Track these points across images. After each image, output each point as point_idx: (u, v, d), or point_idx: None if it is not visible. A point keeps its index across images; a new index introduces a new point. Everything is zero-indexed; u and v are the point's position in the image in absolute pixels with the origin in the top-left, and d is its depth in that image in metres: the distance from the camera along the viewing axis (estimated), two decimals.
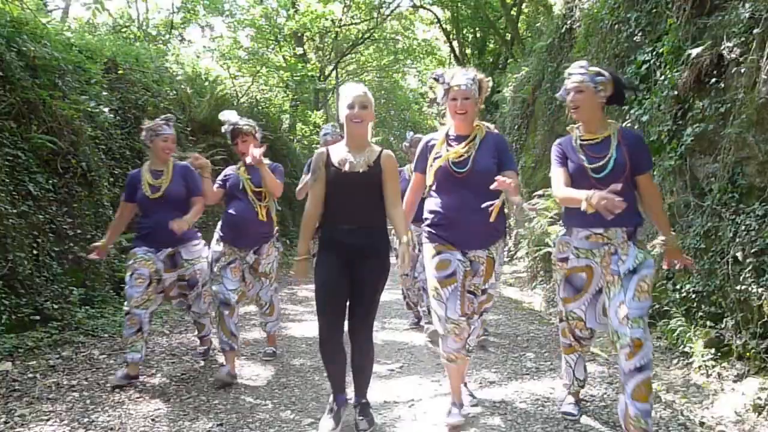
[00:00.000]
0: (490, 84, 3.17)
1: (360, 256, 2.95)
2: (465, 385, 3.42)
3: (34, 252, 4.90)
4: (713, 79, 4.16)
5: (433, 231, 3.06)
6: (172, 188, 3.97)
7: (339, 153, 3.01)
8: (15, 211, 4.79)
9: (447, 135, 3.11)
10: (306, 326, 5.70)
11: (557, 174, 2.96)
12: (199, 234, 4.21)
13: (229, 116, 4.08)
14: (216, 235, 4.06)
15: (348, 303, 3.00)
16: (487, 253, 3.03)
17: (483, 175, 2.93)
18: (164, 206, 3.88)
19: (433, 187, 3.09)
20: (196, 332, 4.58)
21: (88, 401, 3.47)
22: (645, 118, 4.98)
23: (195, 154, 4.07)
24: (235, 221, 3.98)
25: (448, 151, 3.02)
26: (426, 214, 3.13)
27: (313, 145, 18.55)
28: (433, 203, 3.08)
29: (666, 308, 4.32)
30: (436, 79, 3.12)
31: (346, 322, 3.04)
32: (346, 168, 2.94)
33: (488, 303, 3.18)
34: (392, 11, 19.79)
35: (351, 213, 2.95)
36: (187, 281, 4.10)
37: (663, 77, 4.80)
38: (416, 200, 3.24)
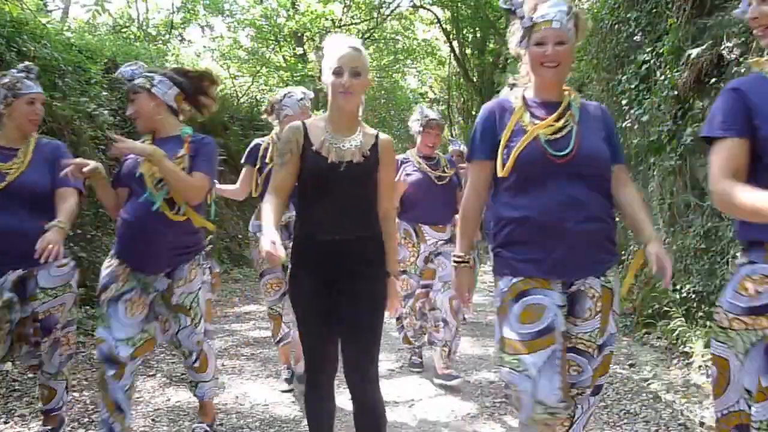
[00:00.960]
0: (589, 24, 2.04)
1: (348, 276, 2.12)
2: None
3: None
4: (713, 79, 4.17)
5: (511, 254, 1.92)
6: (27, 177, 2.60)
7: (320, 133, 2.14)
8: None
9: (525, 100, 1.99)
10: None
11: (723, 153, 1.64)
12: (65, 250, 2.65)
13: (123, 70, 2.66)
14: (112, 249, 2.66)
15: (338, 336, 2.18)
16: (602, 281, 1.91)
17: (593, 161, 1.91)
18: (10, 204, 2.56)
19: (510, 182, 1.94)
20: (41, 403, 2.87)
21: (88, 401, 3.47)
22: (645, 118, 4.98)
23: (79, 160, 2.52)
24: (131, 231, 2.53)
25: (534, 123, 1.92)
26: (496, 227, 1.99)
27: None
28: (510, 206, 1.93)
29: (666, 308, 4.32)
30: (512, 11, 1.96)
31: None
32: (333, 157, 2.09)
33: (604, 371, 1.99)
34: (392, 11, 19.78)
35: (338, 219, 2.11)
36: (41, 322, 2.65)
37: (663, 77, 4.80)
38: (483, 205, 2.10)
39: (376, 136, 2.20)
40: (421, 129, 3.92)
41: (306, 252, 2.16)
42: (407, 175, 3.84)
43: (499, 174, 1.93)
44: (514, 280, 1.88)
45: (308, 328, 2.21)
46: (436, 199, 3.32)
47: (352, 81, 2.06)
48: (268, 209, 2.08)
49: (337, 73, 2.07)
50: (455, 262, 2.06)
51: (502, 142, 1.94)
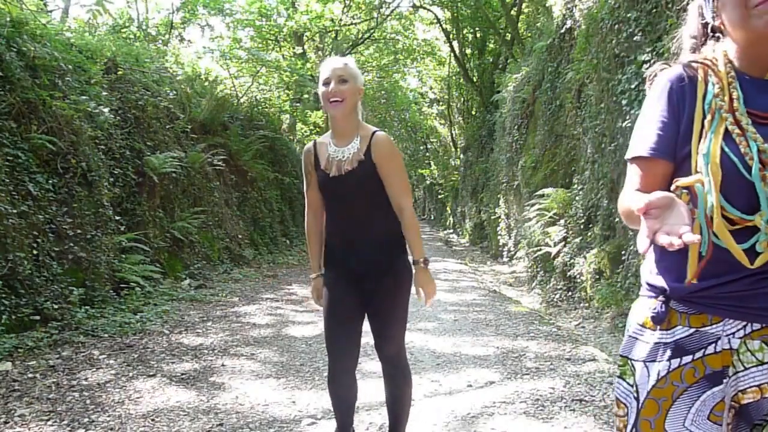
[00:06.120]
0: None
1: (368, 276, 2.34)
2: None
3: (34, 252, 4.89)
4: None
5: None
6: None
7: (325, 149, 2.35)
8: (15, 211, 4.79)
9: (729, 70, 1.22)
10: (306, 327, 5.70)
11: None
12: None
13: None
14: None
15: (363, 325, 2.46)
16: None
17: None
18: None
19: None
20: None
21: (88, 401, 3.47)
22: None
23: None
24: None
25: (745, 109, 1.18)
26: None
27: None
28: None
29: None
30: None
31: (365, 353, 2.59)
32: (334, 171, 2.30)
33: None
34: (392, 11, 19.79)
35: (347, 226, 2.36)
36: None
37: None
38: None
39: (371, 136, 2.30)
40: None
41: (333, 256, 2.43)
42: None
43: (688, 181, 1.16)
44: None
45: (334, 323, 2.40)
46: None
47: (338, 87, 2.23)
48: (307, 237, 2.50)
49: (326, 83, 2.26)
50: None
51: (698, 136, 1.24)
